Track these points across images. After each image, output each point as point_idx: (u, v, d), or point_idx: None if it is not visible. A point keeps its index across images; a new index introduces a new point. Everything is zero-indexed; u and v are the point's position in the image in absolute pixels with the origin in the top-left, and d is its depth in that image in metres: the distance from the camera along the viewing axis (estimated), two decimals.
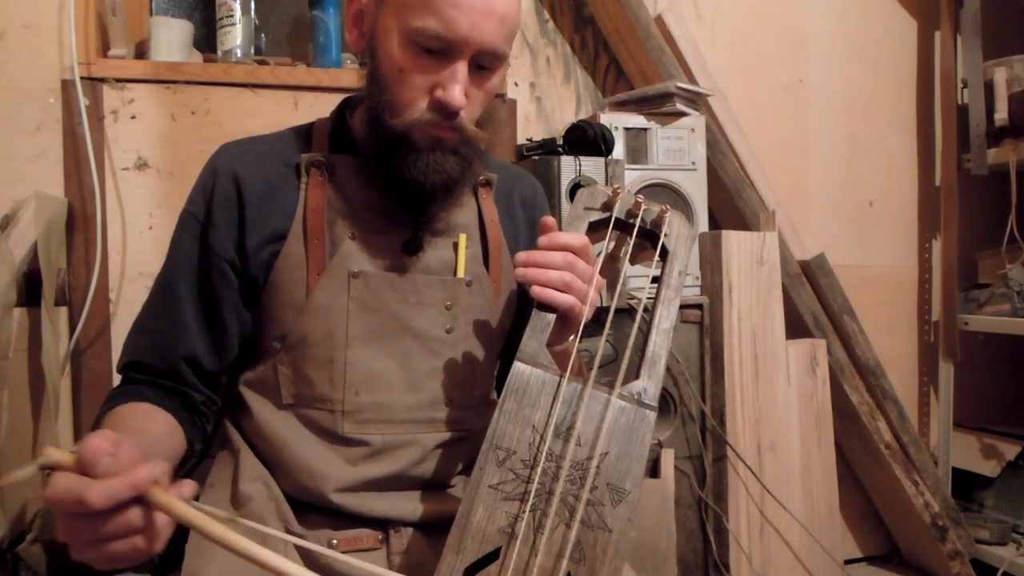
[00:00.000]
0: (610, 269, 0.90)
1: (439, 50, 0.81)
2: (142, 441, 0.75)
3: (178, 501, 0.55)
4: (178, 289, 0.89)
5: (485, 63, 0.83)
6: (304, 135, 0.96)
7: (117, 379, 0.93)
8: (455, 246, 0.94)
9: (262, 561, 0.54)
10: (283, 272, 0.89)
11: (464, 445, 0.96)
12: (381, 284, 0.89)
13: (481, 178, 0.98)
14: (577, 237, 0.84)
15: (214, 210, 0.89)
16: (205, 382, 0.91)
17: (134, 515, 0.55)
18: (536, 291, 0.81)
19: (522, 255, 0.82)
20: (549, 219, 0.85)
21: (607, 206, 0.88)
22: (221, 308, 0.89)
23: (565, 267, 0.82)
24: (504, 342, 1.02)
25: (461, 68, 0.81)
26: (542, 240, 0.83)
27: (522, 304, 1.03)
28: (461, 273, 0.93)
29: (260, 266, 0.89)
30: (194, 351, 0.89)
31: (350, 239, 0.89)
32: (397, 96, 0.84)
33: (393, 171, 0.85)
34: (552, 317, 0.82)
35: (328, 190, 0.90)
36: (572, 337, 0.87)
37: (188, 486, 0.57)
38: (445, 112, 0.82)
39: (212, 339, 0.90)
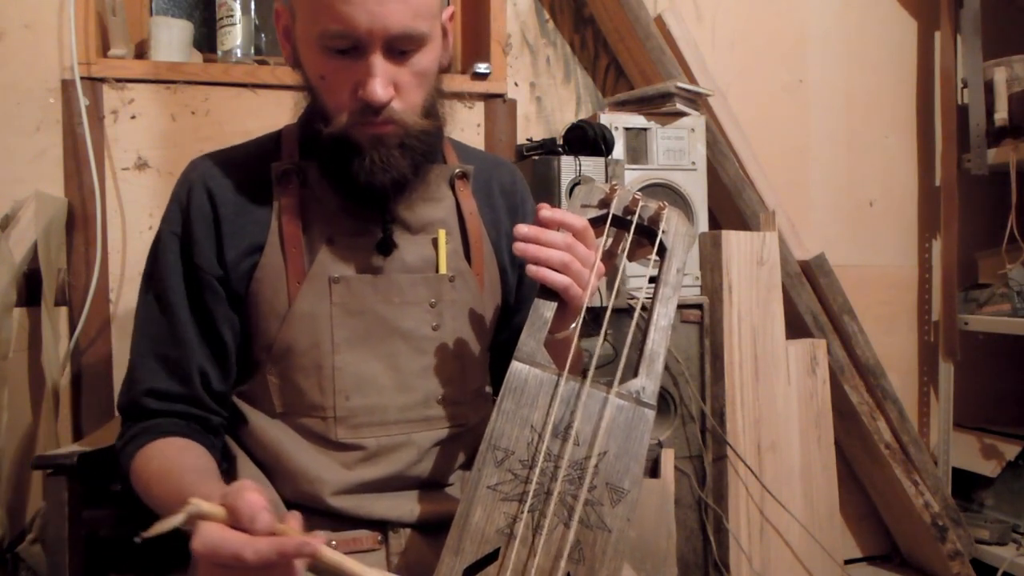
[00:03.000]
0: (608, 266, 0.90)
1: (349, 48, 0.79)
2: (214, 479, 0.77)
3: (339, 555, 0.58)
4: (176, 310, 0.88)
5: (402, 47, 0.81)
6: (274, 143, 0.96)
7: (117, 385, 0.92)
8: (434, 242, 0.93)
9: None
10: (263, 283, 0.88)
11: (461, 441, 0.96)
12: (362, 287, 0.89)
13: (457, 171, 0.97)
14: (578, 218, 0.83)
15: (193, 226, 0.89)
16: (218, 401, 0.91)
17: (278, 569, 0.57)
18: (532, 270, 0.80)
19: (523, 228, 0.81)
20: (545, 205, 0.84)
21: (604, 203, 0.88)
22: (217, 324, 0.89)
23: (564, 248, 0.81)
24: (494, 334, 1.01)
25: (375, 61, 0.79)
26: (544, 213, 0.82)
27: (507, 294, 1.03)
28: (443, 269, 0.93)
29: (240, 278, 0.89)
30: (205, 371, 0.89)
31: (327, 244, 0.89)
32: (326, 103, 0.83)
33: (345, 176, 0.85)
34: (550, 314, 0.82)
35: (301, 197, 0.90)
36: (573, 325, 0.87)
37: (322, 535, 0.60)
38: (371, 109, 0.81)
39: (216, 357, 0.90)
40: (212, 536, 0.56)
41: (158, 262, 0.90)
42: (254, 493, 0.58)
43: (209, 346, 0.89)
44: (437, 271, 0.93)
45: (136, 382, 0.89)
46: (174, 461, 0.81)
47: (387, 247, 0.90)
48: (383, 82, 0.80)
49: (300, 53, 0.86)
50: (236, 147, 0.97)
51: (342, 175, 0.85)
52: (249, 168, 0.92)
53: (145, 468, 0.82)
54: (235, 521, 0.57)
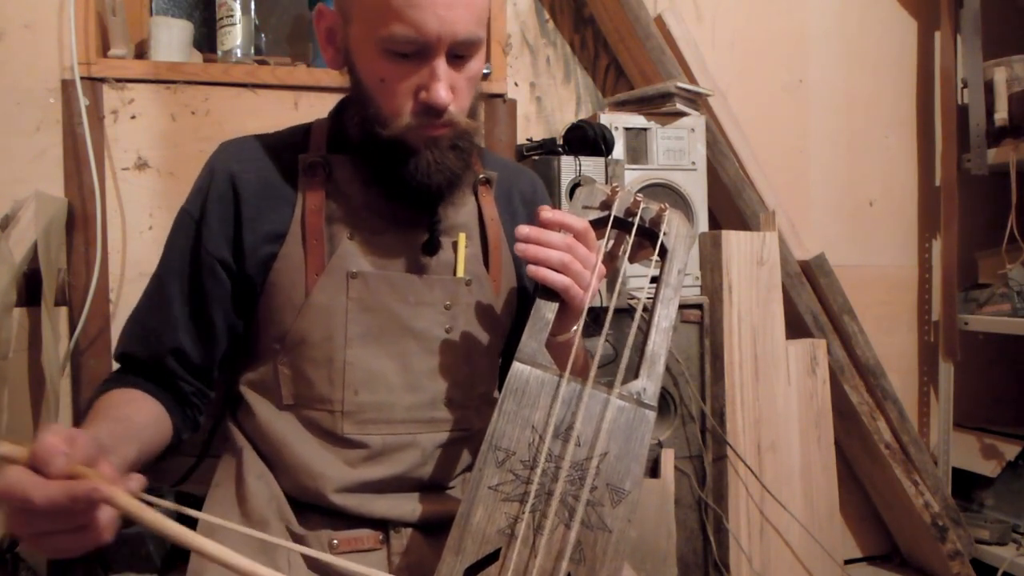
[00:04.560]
0: (609, 268, 0.90)
1: (414, 53, 0.80)
2: (119, 429, 0.77)
3: (135, 502, 0.56)
4: (169, 285, 0.91)
5: (462, 52, 0.83)
6: (302, 135, 0.97)
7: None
8: (454, 245, 0.94)
9: (218, 558, 0.55)
10: (282, 273, 0.89)
11: (465, 445, 0.96)
12: (380, 284, 0.89)
13: (481, 176, 0.98)
14: (579, 220, 0.84)
15: (208, 208, 0.90)
16: (194, 374, 0.92)
17: (77, 515, 0.56)
18: (532, 269, 0.81)
19: (524, 228, 0.82)
20: (546, 207, 0.85)
21: (606, 204, 0.88)
22: (209, 305, 0.90)
23: (565, 249, 0.82)
24: (506, 340, 1.01)
25: (440, 65, 0.81)
26: (545, 214, 0.83)
27: (523, 302, 1.03)
28: (460, 272, 0.93)
29: (258, 265, 0.90)
30: (180, 346, 0.90)
31: (348, 239, 0.89)
32: (383, 106, 0.84)
33: (397, 177, 0.85)
34: (551, 315, 0.82)
35: (326, 191, 0.90)
36: (575, 328, 0.87)
37: (136, 480, 0.58)
38: (434, 112, 0.82)
39: (199, 335, 0.91)
40: (9, 479, 0.55)
41: (170, 237, 0.93)
42: (53, 436, 0.57)
43: (195, 324, 0.91)
44: (454, 274, 0.93)
45: (118, 343, 0.94)
46: (106, 408, 0.83)
47: (433, 247, 0.91)
48: (446, 86, 0.81)
49: (354, 56, 0.86)
50: (265, 135, 0.98)
51: (391, 177, 0.86)
52: (276, 156, 0.93)
53: (88, 412, 0.84)
54: (35, 464, 0.56)
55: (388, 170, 0.86)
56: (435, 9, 0.78)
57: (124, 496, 0.56)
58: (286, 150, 0.93)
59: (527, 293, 1.03)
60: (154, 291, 0.93)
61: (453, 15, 0.79)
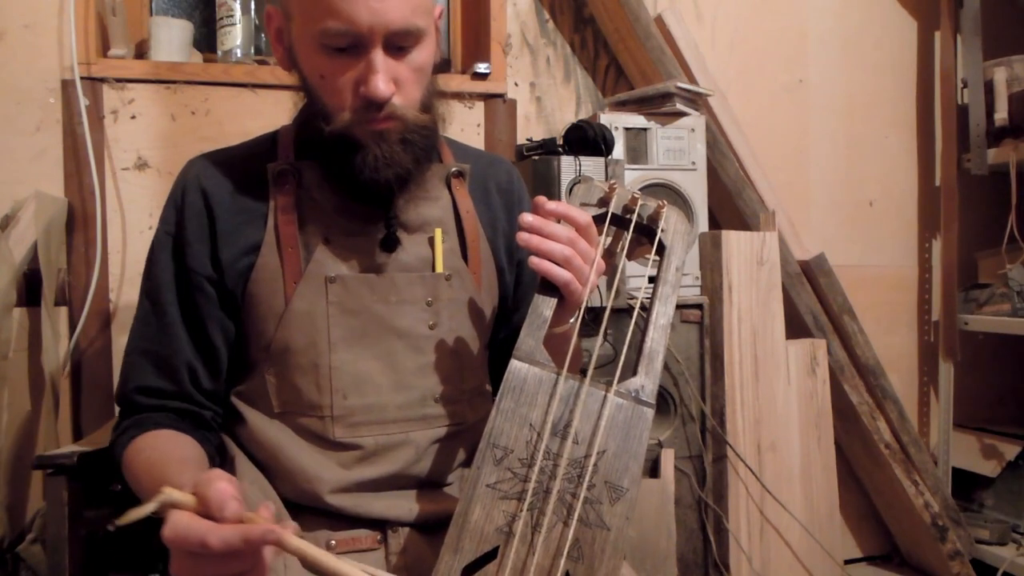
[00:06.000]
0: (607, 265, 0.90)
1: (349, 46, 0.80)
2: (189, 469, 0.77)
3: (304, 543, 0.58)
4: (167, 310, 0.89)
5: (400, 43, 0.82)
6: (269, 143, 0.96)
7: (116, 381, 0.93)
8: (431, 241, 0.93)
9: None
10: (260, 283, 0.89)
11: (460, 439, 0.96)
12: (359, 286, 0.89)
13: (453, 169, 0.97)
14: (583, 214, 0.83)
15: (186, 226, 0.89)
16: (209, 397, 0.91)
17: (246, 558, 0.57)
18: (534, 261, 0.80)
19: (527, 217, 0.81)
20: (541, 198, 0.84)
21: (603, 201, 0.88)
22: (207, 325, 0.89)
23: (567, 242, 0.81)
24: (492, 332, 1.01)
25: (376, 57, 0.80)
26: (549, 205, 0.82)
27: (503, 288, 1.03)
28: (439, 268, 0.93)
29: (236, 278, 0.89)
30: (194, 369, 0.89)
31: (324, 244, 0.89)
32: (326, 102, 0.84)
33: (347, 174, 0.85)
34: (550, 312, 0.82)
35: (297, 197, 0.90)
36: (572, 320, 0.87)
37: (292, 524, 0.59)
38: (375, 105, 0.82)
39: (205, 357, 0.90)
40: (180, 524, 0.56)
41: (153, 262, 0.91)
42: (224, 482, 0.58)
43: (198, 346, 0.90)
44: (434, 270, 0.93)
45: (128, 379, 0.90)
46: (161, 452, 0.81)
47: (391, 244, 0.91)
48: (385, 78, 0.81)
49: (297, 54, 0.86)
50: (232, 147, 0.97)
51: (343, 173, 0.86)
52: (245, 168, 0.92)
53: (135, 460, 0.82)
54: (205, 510, 0.57)
55: (340, 168, 0.86)
56: (367, 1, 0.78)
57: (294, 538, 0.57)
58: (254, 160, 0.92)
59: (507, 283, 1.03)
60: (154, 319, 0.90)
61: (385, 6, 0.78)
